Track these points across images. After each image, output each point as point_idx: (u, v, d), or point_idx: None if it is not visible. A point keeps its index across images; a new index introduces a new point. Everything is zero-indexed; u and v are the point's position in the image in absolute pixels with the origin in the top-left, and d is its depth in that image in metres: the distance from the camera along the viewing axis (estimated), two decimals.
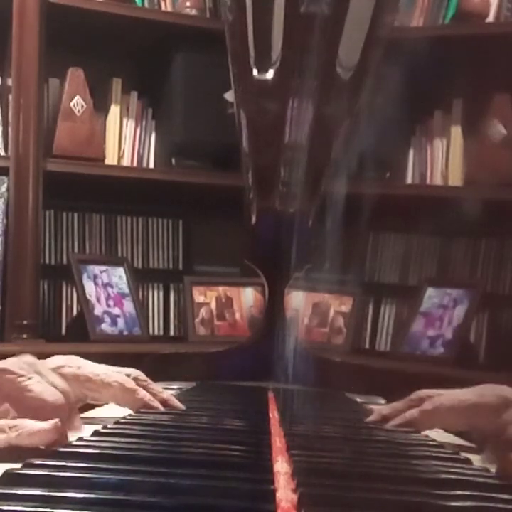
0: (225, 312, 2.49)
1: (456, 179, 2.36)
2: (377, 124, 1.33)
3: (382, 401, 1.03)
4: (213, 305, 2.48)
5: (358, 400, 1.03)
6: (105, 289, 2.34)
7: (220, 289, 2.50)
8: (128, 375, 0.77)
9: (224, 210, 2.26)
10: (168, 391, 0.82)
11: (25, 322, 2.10)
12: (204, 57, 2.30)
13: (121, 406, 0.76)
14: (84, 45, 2.29)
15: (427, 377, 2.01)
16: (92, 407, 0.80)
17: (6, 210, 2.14)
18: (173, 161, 2.41)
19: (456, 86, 2.30)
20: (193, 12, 2.41)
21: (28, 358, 0.60)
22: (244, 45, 0.71)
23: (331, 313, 2.47)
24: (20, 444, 0.53)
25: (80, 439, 0.56)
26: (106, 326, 2.29)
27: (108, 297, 2.33)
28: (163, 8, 2.41)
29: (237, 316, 2.49)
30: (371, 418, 0.78)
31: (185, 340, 2.44)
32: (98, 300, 2.31)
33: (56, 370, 0.64)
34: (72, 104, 2.25)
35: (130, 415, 0.72)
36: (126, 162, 2.41)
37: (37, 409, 0.56)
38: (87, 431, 0.61)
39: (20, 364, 0.59)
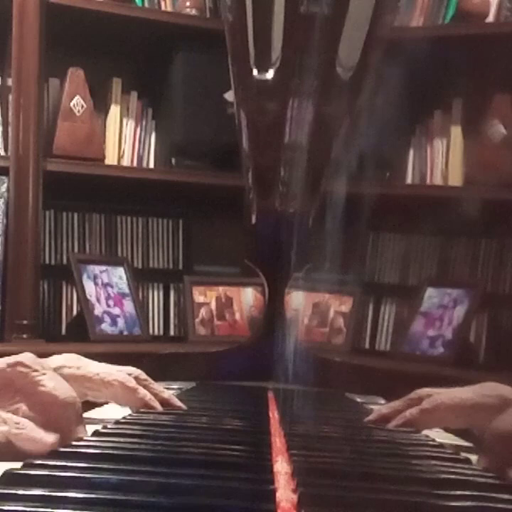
0: (225, 312, 2.49)
1: (456, 179, 2.36)
2: (378, 124, 1.33)
3: (382, 401, 1.03)
4: (213, 305, 2.49)
5: (358, 399, 1.03)
6: (105, 289, 2.34)
7: (220, 289, 2.50)
8: (129, 374, 0.77)
9: (224, 210, 2.27)
10: (168, 391, 0.82)
11: (25, 322, 2.10)
12: (204, 57, 2.30)
13: (122, 405, 0.76)
14: (84, 45, 2.29)
15: (427, 377, 2.01)
16: (92, 407, 0.80)
17: (6, 210, 2.14)
18: (173, 161, 2.41)
19: (456, 86, 2.30)
20: (193, 12, 2.41)
21: (30, 356, 0.60)
22: (244, 45, 0.71)
23: (331, 313, 2.47)
24: (16, 442, 0.53)
25: (80, 439, 0.56)
26: (106, 326, 2.29)
27: (108, 297, 2.33)
28: (163, 8, 2.41)
29: (237, 316, 2.49)
30: (370, 417, 0.78)
31: (185, 340, 2.44)
32: (98, 300, 2.31)
33: (56, 370, 0.64)
34: (72, 104, 2.25)
35: (130, 415, 0.72)
36: (126, 162, 2.41)
37: (47, 404, 0.56)
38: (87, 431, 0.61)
39: (34, 359, 0.59)
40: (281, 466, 0.49)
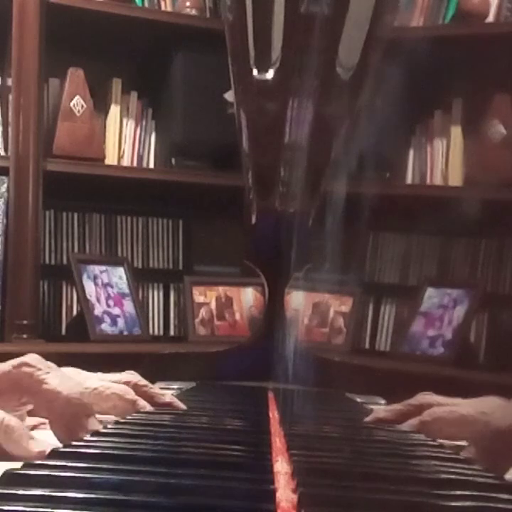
0: (225, 312, 2.49)
1: (456, 179, 2.36)
2: (378, 124, 1.33)
3: (382, 401, 1.03)
4: (213, 305, 2.49)
5: (358, 399, 1.03)
6: (105, 289, 2.34)
7: (220, 289, 2.50)
8: (127, 383, 0.76)
9: (224, 210, 2.27)
10: (169, 392, 0.82)
11: (25, 322, 2.10)
12: (204, 57, 2.30)
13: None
14: (84, 45, 2.29)
15: (427, 377, 2.01)
16: None
17: (6, 210, 2.14)
18: (173, 161, 2.41)
19: (456, 86, 2.31)
20: (193, 12, 2.41)
21: (35, 357, 0.60)
22: (244, 45, 0.71)
23: (331, 313, 2.47)
24: (1, 443, 0.53)
25: (80, 439, 0.56)
26: (106, 326, 2.29)
27: (108, 297, 2.33)
28: (163, 8, 2.41)
29: (237, 316, 2.49)
30: (368, 419, 0.78)
31: (185, 340, 2.44)
32: (98, 300, 2.31)
33: None
34: (72, 104, 2.25)
35: (130, 415, 0.72)
36: (126, 162, 2.41)
37: (52, 401, 0.57)
38: None
39: (39, 359, 0.59)
40: (281, 466, 0.48)
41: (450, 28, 2.35)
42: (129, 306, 2.37)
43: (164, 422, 0.68)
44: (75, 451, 0.50)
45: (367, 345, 2.48)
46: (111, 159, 2.37)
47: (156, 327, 2.48)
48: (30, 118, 2.12)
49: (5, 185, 2.15)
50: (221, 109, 2.20)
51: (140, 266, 2.49)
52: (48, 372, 0.58)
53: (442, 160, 2.39)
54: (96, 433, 0.58)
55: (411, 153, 2.44)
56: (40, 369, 0.58)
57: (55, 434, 0.58)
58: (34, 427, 0.63)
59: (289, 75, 0.73)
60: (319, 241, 1.00)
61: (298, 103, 0.77)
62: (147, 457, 0.50)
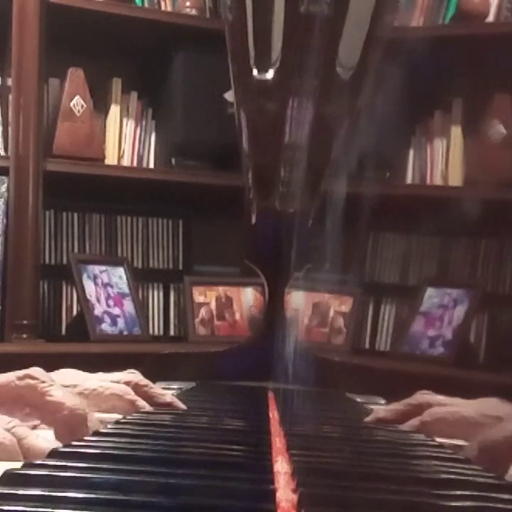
0: (225, 312, 2.49)
1: (456, 179, 2.36)
2: (378, 124, 1.33)
3: (382, 401, 1.03)
4: (213, 305, 2.49)
5: (358, 399, 1.03)
6: (105, 289, 2.34)
7: (220, 289, 2.50)
8: (128, 383, 0.76)
9: (224, 210, 2.27)
10: (169, 392, 0.82)
11: (25, 322, 2.10)
12: (204, 57, 2.30)
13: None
14: (84, 45, 2.29)
15: (427, 377, 2.01)
16: None
17: (6, 210, 2.14)
18: (173, 161, 2.41)
19: (456, 86, 2.31)
20: (193, 12, 2.41)
21: (39, 370, 0.61)
22: (244, 45, 0.71)
23: (331, 313, 2.47)
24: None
25: (80, 439, 0.56)
26: (106, 326, 2.29)
27: (108, 297, 2.33)
28: (163, 8, 2.41)
29: (237, 316, 2.49)
30: (368, 419, 0.77)
31: (185, 340, 2.44)
32: (98, 300, 2.31)
33: None
34: (72, 104, 2.25)
35: (130, 415, 0.72)
36: (126, 162, 2.41)
37: (56, 413, 0.57)
38: None
39: (42, 371, 0.60)
40: (281, 466, 0.49)
41: (450, 28, 2.35)
42: (129, 306, 2.37)
43: (164, 422, 0.68)
44: (75, 451, 0.50)
45: (367, 345, 2.48)
46: (111, 159, 2.37)
47: (156, 327, 2.48)
48: (30, 118, 2.12)
49: (5, 185, 2.15)
50: (221, 109, 2.20)
51: (140, 266, 2.49)
52: (52, 385, 0.58)
53: (442, 160, 2.39)
54: (96, 433, 0.58)
55: (411, 153, 2.44)
56: (43, 381, 0.58)
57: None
58: (35, 427, 0.63)
59: (289, 75, 0.73)
60: (319, 241, 1.00)
61: (298, 103, 0.77)
62: (147, 457, 0.50)
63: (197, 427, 0.66)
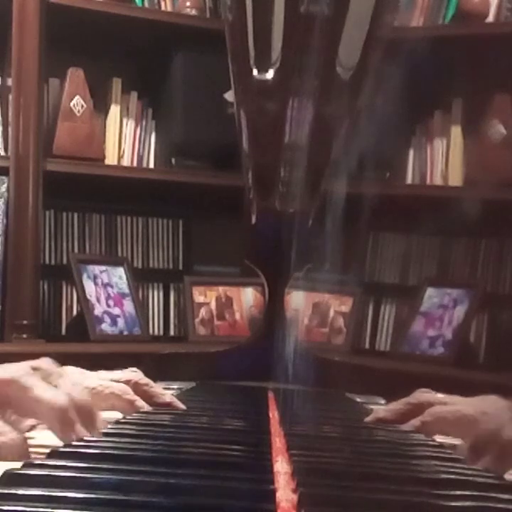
0: (225, 312, 2.49)
1: (456, 179, 2.36)
2: (378, 124, 1.33)
3: (382, 401, 1.03)
4: (213, 305, 2.49)
5: (358, 399, 1.03)
6: (105, 289, 2.34)
7: (220, 289, 2.50)
8: (128, 381, 0.76)
9: (224, 210, 2.26)
10: (169, 392, 0.82)
11: (25, 322, 2.10)
12: (204, 57, 2.30)
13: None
14: (84, 45, 2.29)
15: (427, 377, 2.01)
16: None
17: (6, 210, 2.14)
18: (173, 161, 2.41)
19: (456, 86, 2.31)
20: (193, 12, 2.41)
21: (47, 363, 0.60)
22: (244, 45, 0.71)
23: (331, 313, 2.47)
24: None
25: (80, 439, 0.56)
26: (106, 326, 2.29)
27: (108, 297, 2.33)
28: (163, 8, 2.41)
29: (237, 316, 2.49)
30: (368, 419, 0.77)
31: (185, 340, 2.44)
32: (98, 300, 2.31)
33: None
34: (72, 104, 2.25)
35: (130, 415, 0.72)
36: (126, 162, 2.41)
37: (36, 409, 0.56)
38: None
39: (51, 363, 0.60)
40: (281, 466, 0.49)
41: (450, 28, 2.35)
42: (129, 306, 2.37)
43: (164, 422, 0.68)
44: (75, 451, 0.50)
45: (367, 345, 2.48)
46: (111, 159, 2.37)
47: (156, 327, 2.48)
48: (30, 118, 2.12)
49: (5, 185, 2.15)
50: (221, 109, 2.20)
51: (140, 266, 2.49)
52: (60, 377, 0.58)
53: (442, 160, 2.39)
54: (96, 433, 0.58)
55: (411, 153, 2.44)
56: (50, 374, 0.58)
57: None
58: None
59: (289, 75, 0.73)
60: (319, 241, 1.00)
61: (298, 103, 0.77)
62: (147, 457, 0.50)
63: (197, 427, 0.66)
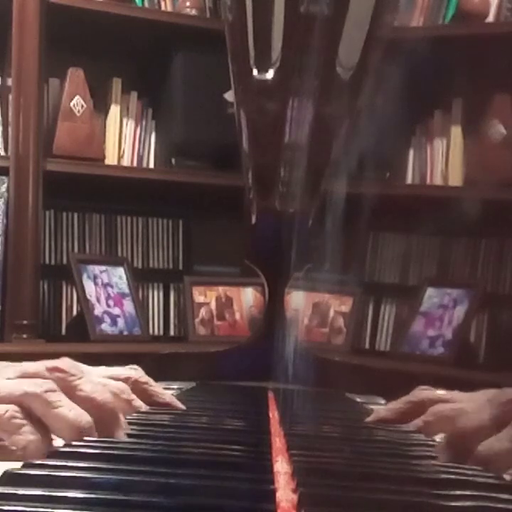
0: (225, 312, 2.49)
1: (456, 179, 2.36)
2: (378, 124, 1.33)
3: (382, 401, 1.03)
4: (213, 305, 2.49)
5: (358, 399, 1.03)
6: (105, 289, 2.34)
7: (220, 289, 2.50)
8: (127, 379, 0.76)
9: (224, 210, 2.27)
10: (169, 392, 0.82)
11: (25, 322, 2.10)
12: (204, 57, 2.30)
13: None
14: (84, 45, 2.29)
15: (427, 377, 2.01)
16: None
17: (6, 210, 2.14)
18: (173, 161, 2.41)
19: (456, 86, 2.31)
20: (193, 12, 2.41)
21: (68, 361, 0.60)
22: (244, 45, 0.71)
23: (331, 313, 2.47)
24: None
25: (80, 438, 0.55)
26: (106, 326, 2.29)
27: (108, 297, 2.33)
28: (163, 8, 2.41)
29: (237, 316, 2.49)
30: (369, 419, 0.77)
31: (185, 340, 2.44)
32: (98, 300, 2.31)
33: None
34: (72, 104, 2.25)
35: (130, 415, 0.72)
36: (126, 162, 2.41)
37: (86, 408, 0.56)
38: None
39: (72, 363, 0.59)
40: (281, 466, 0.48)
41: (450, 28, 2.36)
42: (129, 306, 2.37)
43: (164, 422, 0.68)
44: (75, 451, 0.50)
45: (367, 345, 2.48)
46: (111, 159, 2.37)
47: (156, 327, 2.48)
48: (30, 118, 2.12)
49: (5, 185, 2.15)
50: (221, 109, 2.20)
51: (140, 266, 2.49)
52: (81, 378, 0.58)
53: (442, 160, 2.39)
54: None
55: (411, 153, 2.44)
56: (73, 374, 0.58)
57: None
58: None
59: (289, 75, 0.73)
60: (319, 241, 1.00)
61: (298, 103, 0.77)
62: (147, 457, 0.50)
63: (197, 427, 0.66)
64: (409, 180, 2.45)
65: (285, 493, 0.41)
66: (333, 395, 1.07)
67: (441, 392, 0.74)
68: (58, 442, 0.55)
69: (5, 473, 0.42)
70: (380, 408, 0.84)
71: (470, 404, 0.67)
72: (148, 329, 2.43)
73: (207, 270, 2.56)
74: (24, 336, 2.09)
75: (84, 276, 2.30)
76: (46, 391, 0.54)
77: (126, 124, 2.42)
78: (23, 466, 0.44)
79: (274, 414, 0.75)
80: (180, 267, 2.55)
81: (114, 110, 2.40)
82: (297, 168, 0.86)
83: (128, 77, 2.43)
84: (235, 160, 1.12)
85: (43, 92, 2.19)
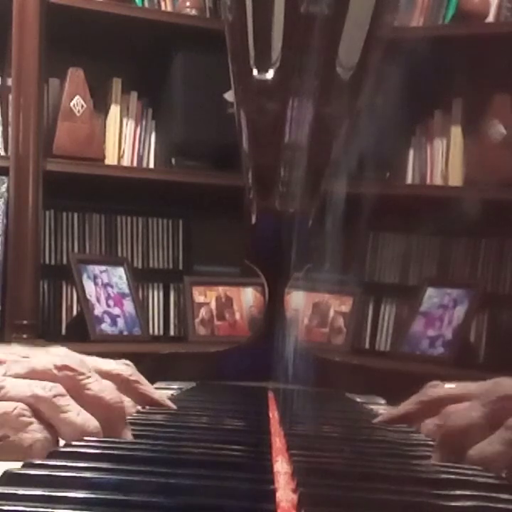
0: (225, 312, 2.49)
1: (456, 179, 2.36)
2: (378, 124, 1.33)
3: (382, 401, 1.03)
4: (213, 305, 2.49)
5: (358, 399, 1.03)
6: (105, 289, 2.34)
7: (220, 289, 2.50)
8: (117, 376, 0.75)
9: (224, 210, 2.27)
10: (161, 391, 0.82)
11: (25, 322, 2.10)
12: (204, 57, 2.31)
13: None
14: (84, 45, 2.29)
15: (427, 377, 2.01)
16: None
17: (6, 210, 2.14)
18: (173, 161, 2.41)
19: (456, 86, 2.31)
20: (193, 12, 2.41)
21: (76, 358, 0.60)
22: (244, 45, 0.71)
23: (331, 313, 2.47)
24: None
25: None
26: (106, 326, 2.29)
27: (108, 297, 2.33)
28: (163, 8, 2.41)
29: (237, 316, 2.49)
30: (380, 419, 0.76)
31: (185, 340, 2.45)
32: (98, 300, 2.31)
33: None
34: (72, 104, 2.25)
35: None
36: (126, 162, 2.41)
37: (94, 408, 0.56)
38: None
39: (78, 361, 0.59)
40: (281, 466, 0.48)
41: (450, 28, 2.36)
42: (129, 306, 2.37)
43: (164, 422, 0.68)
44: (75, 451, 0.50)
45: (367, 345, 2.48)
46: (111, 159, 2.37)
47: (156, 327, 2.48)
48: (30, 118, 2.12)
49: (5, 185, 2.15)
50: (221, 109, 2.20)
51: (140, 266, 2.49)
52: (89, 377, 0.58)
53: (442, 160, 2.39)
54: None
55: (411, 153, 2.44)
56: (81, 373, 0.58)
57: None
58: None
59: (289, 75, 0.73)
60: (319, 241, 1.00)
61: (298, 103, 0.77)
62: (147, 457, 0.50)
63: (197, 427, 0.66)
64: (409, 180, 2.45)
65: (285, 493, 0.41)
66: (333, 395, 1.07)
67: (452, 387, 0.72)
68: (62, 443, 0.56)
69: (5, 473, 0.42)
70: (389, 408, 0.83)
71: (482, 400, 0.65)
72: (148, 329, 2.43)
73: (207, 270, 2.56)
74: (24, 336, 2.09)
75: (84, 276, 2.30)
76: (55, 395, 0.54)
77: (126, 124, 2.42)
78: (23, 466, 0.44)
79: (274, 414, 0.75)
80: (180, 267, 2.55)
81: (114, 110, 2.40)
82: (297, 168, 0.86)
83: (128, 77, 2.43)
84: (235, 160, 1.12)
85: (43, 92, 2.19)
